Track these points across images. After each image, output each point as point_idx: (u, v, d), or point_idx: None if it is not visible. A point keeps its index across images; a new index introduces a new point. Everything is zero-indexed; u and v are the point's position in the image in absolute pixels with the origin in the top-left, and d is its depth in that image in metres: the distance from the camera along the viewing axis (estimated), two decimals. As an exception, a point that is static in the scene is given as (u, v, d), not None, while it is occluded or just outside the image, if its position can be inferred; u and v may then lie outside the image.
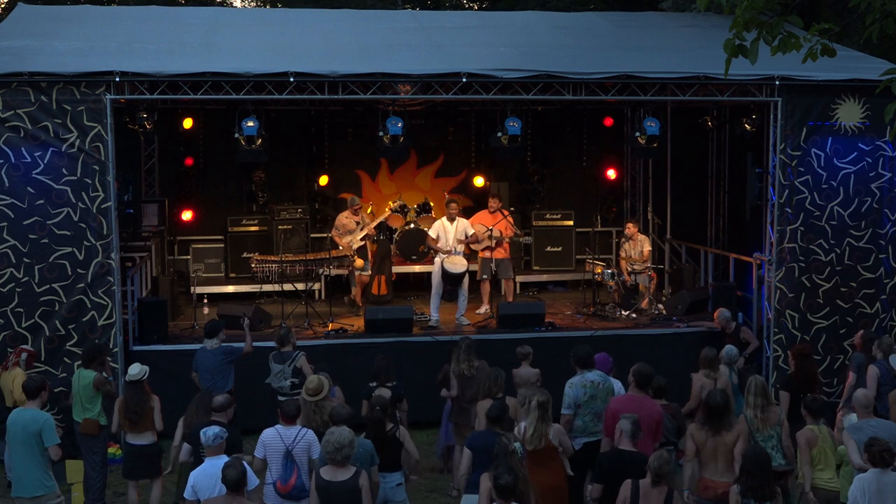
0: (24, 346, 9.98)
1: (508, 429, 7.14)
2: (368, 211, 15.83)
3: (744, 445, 7.15)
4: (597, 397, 8.11)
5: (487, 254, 13.42)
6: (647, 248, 13.80)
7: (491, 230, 13.25)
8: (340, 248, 13.55)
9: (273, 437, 7.33)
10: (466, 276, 12.83)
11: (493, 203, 13.65)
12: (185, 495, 6.79)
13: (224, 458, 6.71)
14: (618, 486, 6.77)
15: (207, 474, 6.71)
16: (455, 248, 12.75)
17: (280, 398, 8.94)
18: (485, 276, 13.48)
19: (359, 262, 14.44)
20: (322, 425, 7.74)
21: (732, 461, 7.16)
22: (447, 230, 12.83)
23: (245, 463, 6.57)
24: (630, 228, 13.86)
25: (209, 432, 6.82)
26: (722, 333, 11.09)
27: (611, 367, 8.85)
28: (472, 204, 16.51)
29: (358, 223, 13.71)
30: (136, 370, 8.49)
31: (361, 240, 13.70)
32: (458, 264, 12.67)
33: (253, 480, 6.63)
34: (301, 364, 9.32)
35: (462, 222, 12.99)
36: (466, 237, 12.95)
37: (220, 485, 6.40)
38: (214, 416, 7.68)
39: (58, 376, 10.26)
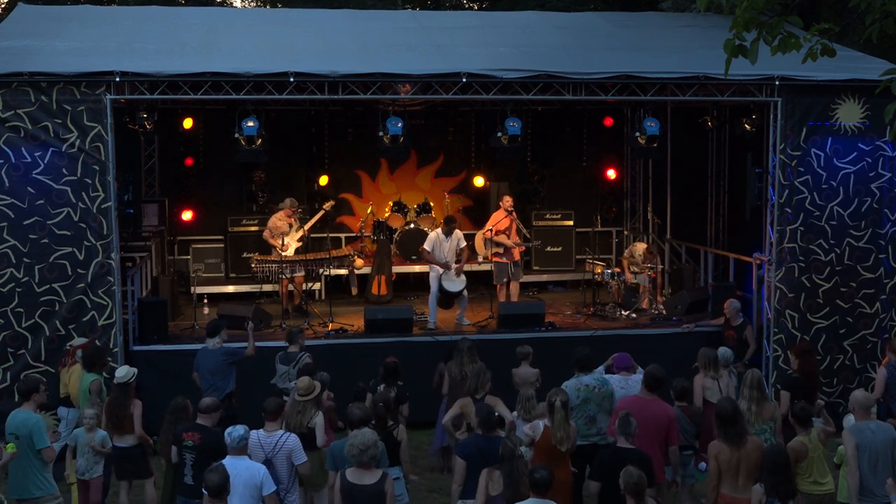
0: (75, 343, 10.01)
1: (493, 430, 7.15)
2: (368, 211, 15.87)
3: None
4: (590, 400, 8.08)
5: (504, 259, 13.27)
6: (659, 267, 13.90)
7: (527, 238, 13.17)
8: (274, 249, 13.28)
9: (253, 444, 7.25)
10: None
11: (508, 201, 13.46)
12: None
13: (245, 459, 6.70)
14: (615, 484, 6.77)
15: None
16: (452, 265, 12.54)
17: (285, 398, 8.93)
18: (504, 280, 13.39)
19: (359, 261, 14.45)
20: (302, 427, 7.76)
21: (751, 477, 6.94)
22: (443, 243, 12.61)
23: (261, 466, 6.60)
24: (647, 251, 13.82)
25: (234, 433, 6.75)
26: (725, 326, 11.09)
27: (631, 366, 8.80)
28: (472, 204, 16.55)
29: (292, 225, 13.52)
30: (122, 373, 8.45)
31: (298, 241, 13.56)
32: (455, 281, 12.57)
33: (269, 486, 6.63)
34: (303, 366, 9.30)
35: (457, 235, 12.74)
36: (459, 250, 12.71)
37: (234, 483, 6.38)
38: (200, 418, 7.56)
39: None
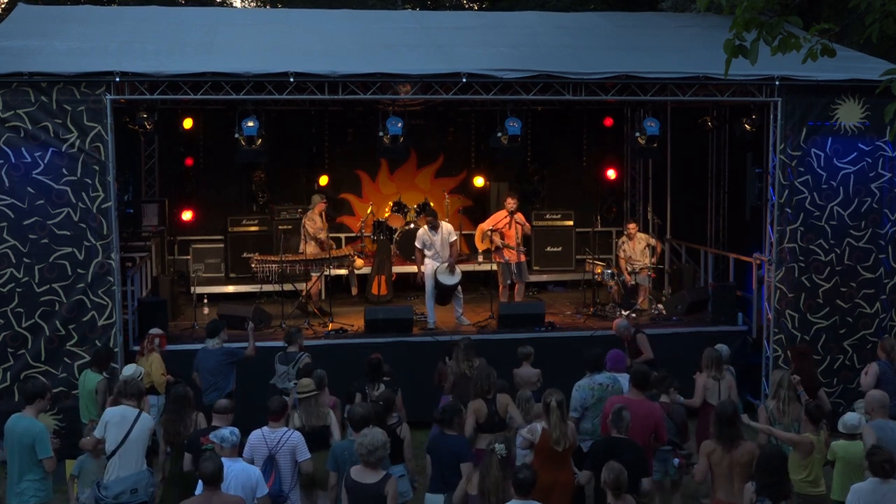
0: (153, 332, 10.11)
1: (458, 431, 7.34)
2: (368, 211, 15.87)
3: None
4: (605, 399, 8.05)
5: (510, 257, 13.22)
6: (653, 242, 13.75)
7: (519, 244, 13.17)
8: (320, 239, 13.36)
9: (258, 440, 7.27)
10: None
11: (512, 202, 13.28)
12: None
13: (240, 461, 6.69)
14: None
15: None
16: (446, 259, 12.51)
17: (285, 398, 8.92)
18: (509, 282, 13.35)
19: (359, 261, 14.45)
20: (322, 421, 7.79)
21: (746, 482, 6.88)
22: (432, 238, 12.58)
23: (255, 468, 6.58)
24: (632, 228, 13.82)
25: (225, 433, 6.76)
26: (622, 343, 10.83)
27: (625, 364, 8.78)
28: (472, 204, 16.55)
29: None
30: (129, 371, 8.47)
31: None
32: (450, 275, 12.55)
33: (262, 488, 6.61)
34: (303, 366, 9.31)
35: (445, 228, 12.70)
36: (449, 243, 12.65)
37: (230, 486, 6.37)
38: (215, 419, 7.51)
39: (58, 376, 10.26)
